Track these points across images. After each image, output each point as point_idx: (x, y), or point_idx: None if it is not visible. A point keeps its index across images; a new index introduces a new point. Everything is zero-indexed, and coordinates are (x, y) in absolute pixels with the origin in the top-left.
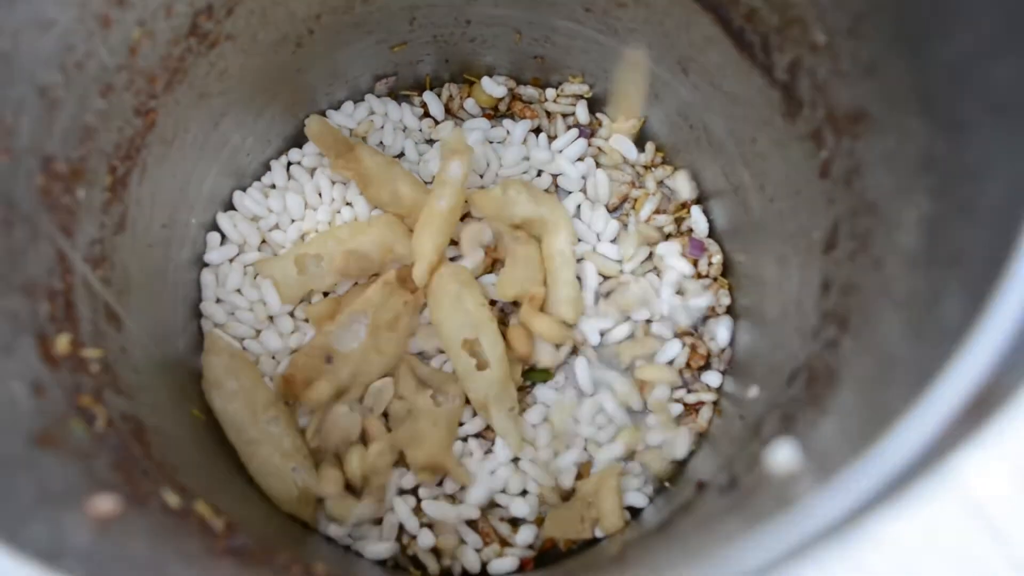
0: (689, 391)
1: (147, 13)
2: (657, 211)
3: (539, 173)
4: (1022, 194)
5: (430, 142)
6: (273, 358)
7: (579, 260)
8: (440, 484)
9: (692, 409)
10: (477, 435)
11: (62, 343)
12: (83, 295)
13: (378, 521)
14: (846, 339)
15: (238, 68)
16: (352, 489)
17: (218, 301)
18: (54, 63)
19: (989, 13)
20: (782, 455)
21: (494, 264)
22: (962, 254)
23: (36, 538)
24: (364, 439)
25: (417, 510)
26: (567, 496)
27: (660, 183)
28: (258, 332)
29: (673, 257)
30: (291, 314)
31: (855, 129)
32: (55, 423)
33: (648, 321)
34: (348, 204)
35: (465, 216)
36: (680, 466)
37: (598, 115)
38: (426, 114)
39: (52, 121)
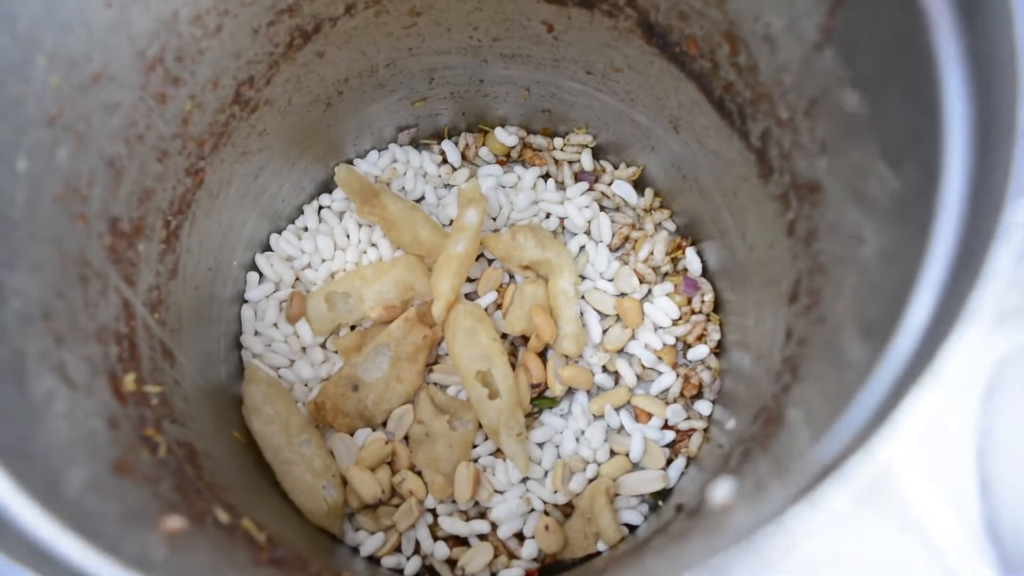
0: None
1: (197, 88)
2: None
3: (547, 215)
4: (909, 277)
5: (448, 186)
6: (305, 385)
7: (582, 297)
8: (454, 501)
9: (684, 435)
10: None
11: (129, 381)
12: (143, 336)
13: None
14: (795, 386)
15: (275, 128)
16: (372, 505)
17: (256, 334)
18: (119, 137)
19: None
20: (721, 490)
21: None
22: (879, 347)
23: (129, 551)
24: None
25: (434, 525)
26: (567, 512)
27: (658, 225)
28: (292, 362)
29: (662, 298)
30: (322, 346)
31: (813, 197)
32: (127, 452)
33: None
34: (373, 245)
35: (479, 257)
36: (670, 488)
37: (601, 162)
38: (444, 161)
39: (117, 187)
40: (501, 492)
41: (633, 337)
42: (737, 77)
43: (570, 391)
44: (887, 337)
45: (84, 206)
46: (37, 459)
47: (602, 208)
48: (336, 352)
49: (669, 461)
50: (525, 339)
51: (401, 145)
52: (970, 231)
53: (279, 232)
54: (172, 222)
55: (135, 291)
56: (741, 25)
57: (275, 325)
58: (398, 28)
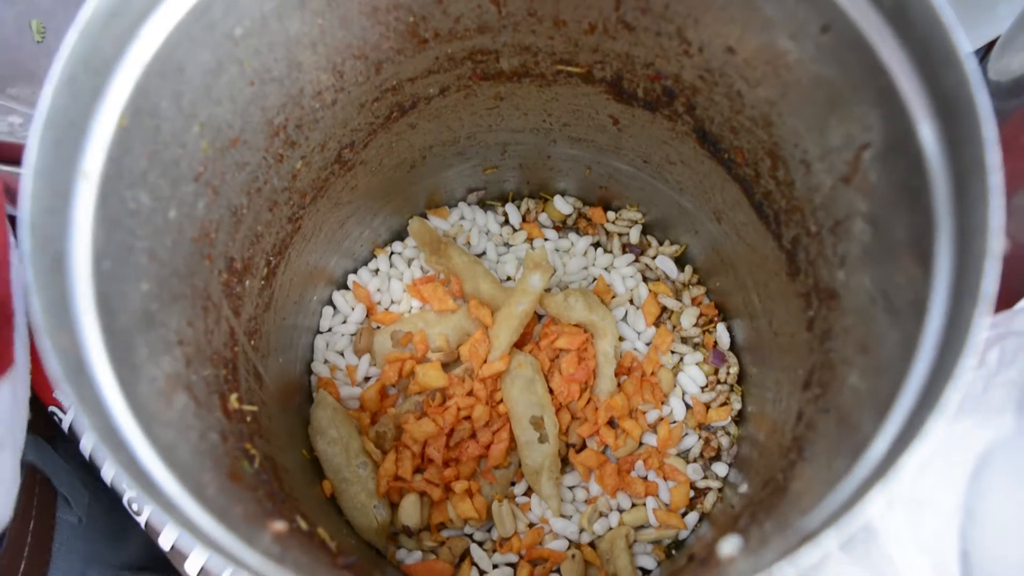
0: (703, 478)
1: (308, 150)
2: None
3: (594, 280)
4: (895, 388)
5: (507, 245)
6: (361, 410)
7: (621, 356)
8: (489, 531)
9: (701, 493)
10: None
11: (233, 400)
12: (242, 360)
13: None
14: (800, 463)
15: (365, 184)
16: (408, 530)
17: (325, 362)
18: (243, 190)
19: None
20: (729, 545)
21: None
22: (866, 440)
23: (260, 544)
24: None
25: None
26: (589, 552)
27: (694, 299)
28: (353, 389)
29: (692, 366)
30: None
31: (830, 302)
32: (234, 462)
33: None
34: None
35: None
36: (683, 540)
37: (648, 237)
38: (506, 222)
39: (236, 231)
40: (532, 525)
41: (664, 400)
42: (775, 188)
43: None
44: (869, 438)
45: (211, 248)
46: (186, 466)
47: (645, 279)
48: (395, 385)
49: (684, 515)
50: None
51: (469, 204)
52: (949, 351)
53: (354, 271)
54: (272, 261)
55: (239, 321)
56: (782, 147)
57: (342, 354)
58: (482, 108)
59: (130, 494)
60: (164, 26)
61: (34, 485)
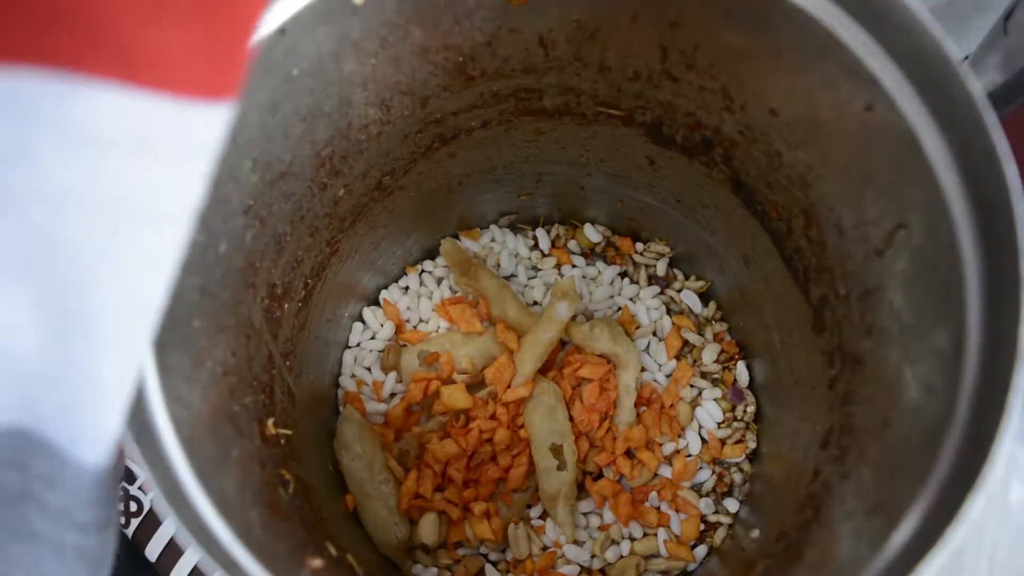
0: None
1: (351, 178)
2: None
3: (619, 309)
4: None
5: (536, 269)
6: (385, 425)
7: (641, 387)
8: (504, 552)
9: (711, 527)
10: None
11: (270, 425)
12: (279, 382)
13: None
14: (814, 525)
15: (402, 208)
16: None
17: (352, 376)
18: (288, 219)
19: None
20: None
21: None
22: (885, 529)
23: None
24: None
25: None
26: None
27: (716, 335)
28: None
29: (710, 402)
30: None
31: (854, 367)
32: (271, 492)
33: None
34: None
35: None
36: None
37: (674, 270)
38: (536, 246)
39: (279, 258)
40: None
41: (681, 434)
42: (807, 245)
43: None
44: (888, 527)
45: (255, 276)
46: (234, 506)
47: (668, 311)
48: (419, 404)
49: (693, 547)
50: None
51: (500, 227)
52: (973, 457)
53: (385, 287)
54: (310, 284)
55: (277, 343)
56: (817, 208)
57: (369, 370)
58: (522, 141)
59: (195, 554)
60: None
61: None
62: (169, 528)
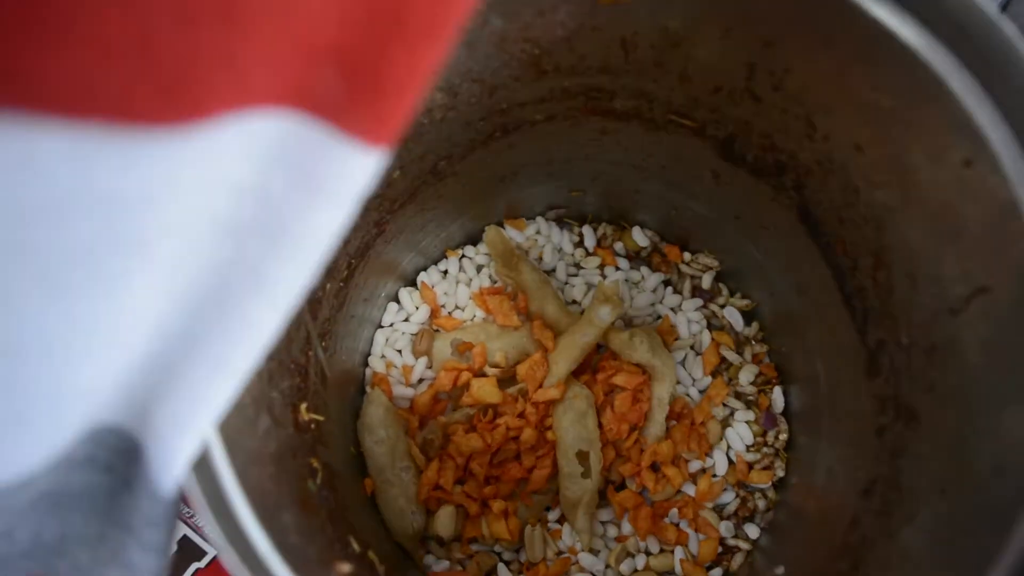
0: (734, 536)
1: (408, 160)
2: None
3: (659, 318)
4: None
5: (578, 267)
6: (413, 411)
7: (673, 400)
8: (517, 552)
9: (729, 551)
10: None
11: (303, 410)
12: (313, 363)
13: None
14: None
15: (453, 192)
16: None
17: (382, 357)
18: None
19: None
20: None
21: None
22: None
23: None
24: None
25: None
26: None
27: (755, 356)
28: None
29: (742, 424)
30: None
31: (909, 421)
32: (301, 484)
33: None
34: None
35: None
36: None
37: (720, 284)
38: (581, 243)
39: None
40: (560, 554)
41: (708, 452)
42: (871, 287)
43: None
44: None
45: None
46: (269, 506)
47: (709, 326)
48: (448, 392)
49: (709, 569)
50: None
51: (547, 220)
52: None
53: (424, 268)
54: (353, 263)
55: (315, 324)
56: (890, 254)
57: (400, 352)
58: (584, 139)
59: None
60: None
61: None
62: None
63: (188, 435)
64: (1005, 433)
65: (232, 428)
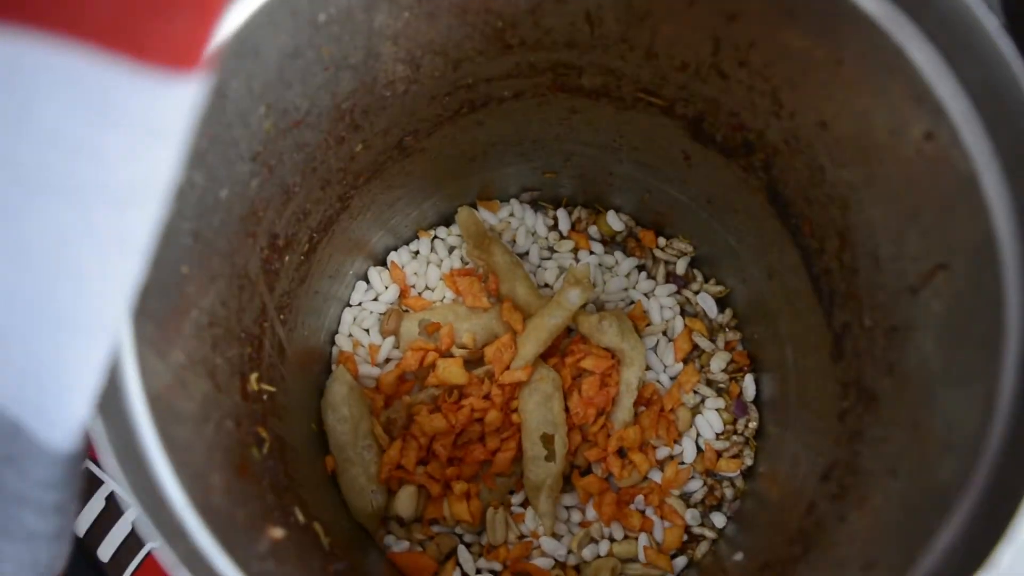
0: (699, 525)
1: (371, 134)
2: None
3: (632, 303)
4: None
5: (551, 250)
6: (376, 391)
7: (643, 386)
8: (479, 535)
9: (694, 539)
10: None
11: (253, 380)
12: (269, 336)
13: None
14: (801, 565)
15: (421, 170)
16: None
17: (349, 335)
18: (298, 169)
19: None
20: None
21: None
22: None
23: (258, 553)
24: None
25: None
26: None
27: (728, 343)
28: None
29: (712, 412)
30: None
31: (869, 404)
32: (244, 451)
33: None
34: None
35: None
36: None
37: (694, 270)
38: (555, 227)
39: (285, 209)
40: (522, 537)
41: (677, 440)
42: (837, 268)
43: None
44: None
45: (257, 225)
46: (198, 468)
47: (683, 312)
48: (414, 373)
49: (673, 557)
50: None
51: (521, 202)
52: (986, 526)
53: (395, 248)
54: (315, 238)
55: (272, 296)
56: (854, 233)
57: (367, 332)
58: (554, 117)
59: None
60: (247, 8)
61: None
62: (124, 527)
63: (66, 394)
64: (959, 409)
65: (162, 386)
